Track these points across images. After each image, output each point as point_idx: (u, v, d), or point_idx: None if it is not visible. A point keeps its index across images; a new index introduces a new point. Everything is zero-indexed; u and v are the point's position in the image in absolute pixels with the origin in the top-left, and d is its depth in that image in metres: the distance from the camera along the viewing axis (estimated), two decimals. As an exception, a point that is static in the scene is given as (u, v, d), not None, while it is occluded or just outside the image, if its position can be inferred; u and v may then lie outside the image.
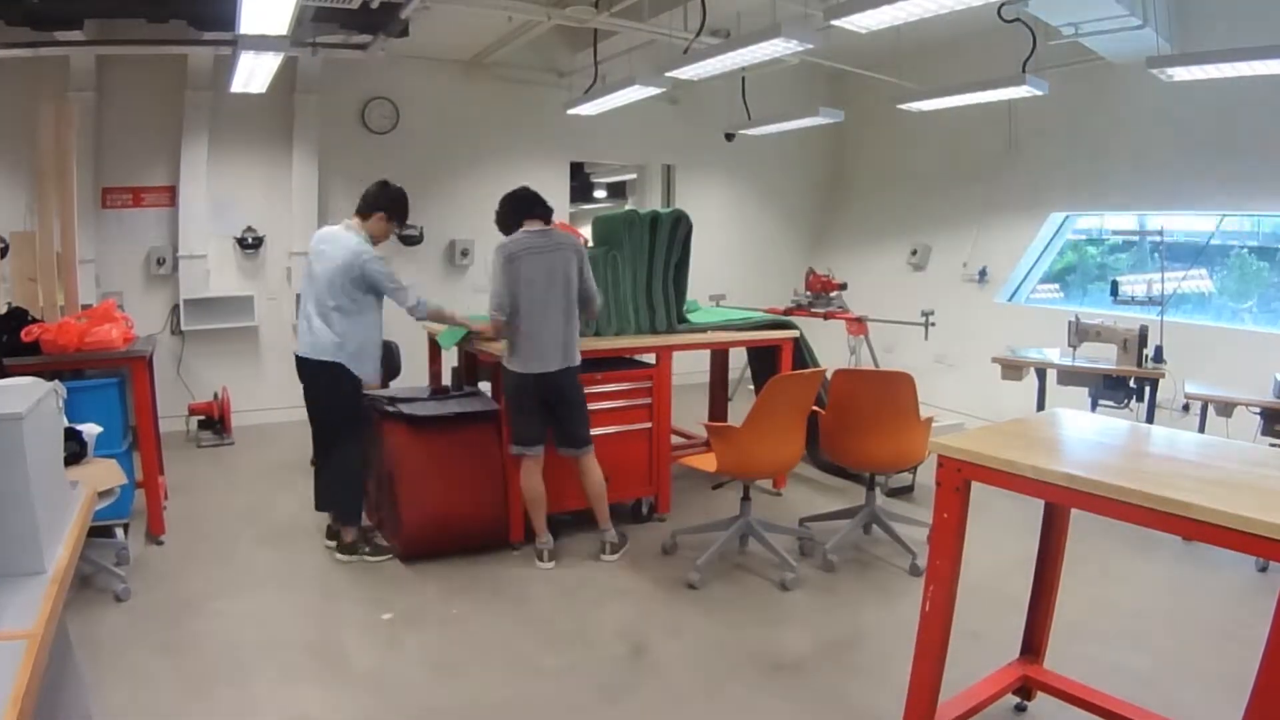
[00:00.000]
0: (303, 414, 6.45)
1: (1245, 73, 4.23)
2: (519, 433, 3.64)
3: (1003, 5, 4.47)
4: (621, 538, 3.80)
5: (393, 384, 5.12)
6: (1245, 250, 5.63)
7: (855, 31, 4.06)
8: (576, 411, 3.69)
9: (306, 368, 3.66)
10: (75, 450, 2.41)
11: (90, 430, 2.34)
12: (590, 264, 3.73)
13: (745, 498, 3.67)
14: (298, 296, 3.71)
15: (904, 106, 5.57)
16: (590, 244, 4.32)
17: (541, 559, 3.66)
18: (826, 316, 5.59)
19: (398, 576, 3.57)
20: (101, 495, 2.35)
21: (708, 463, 3.54)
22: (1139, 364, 4.31)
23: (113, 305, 3.83)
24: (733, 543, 3.69)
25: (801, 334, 4.70)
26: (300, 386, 3.73)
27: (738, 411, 5.30)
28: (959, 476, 2.03)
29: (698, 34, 4.87)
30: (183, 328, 5.94)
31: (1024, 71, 4.75)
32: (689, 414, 5.17)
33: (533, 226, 3.59)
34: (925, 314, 5.22)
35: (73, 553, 1.59)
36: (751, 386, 5.28)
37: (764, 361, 4.93)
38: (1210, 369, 4.62)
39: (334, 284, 3.51)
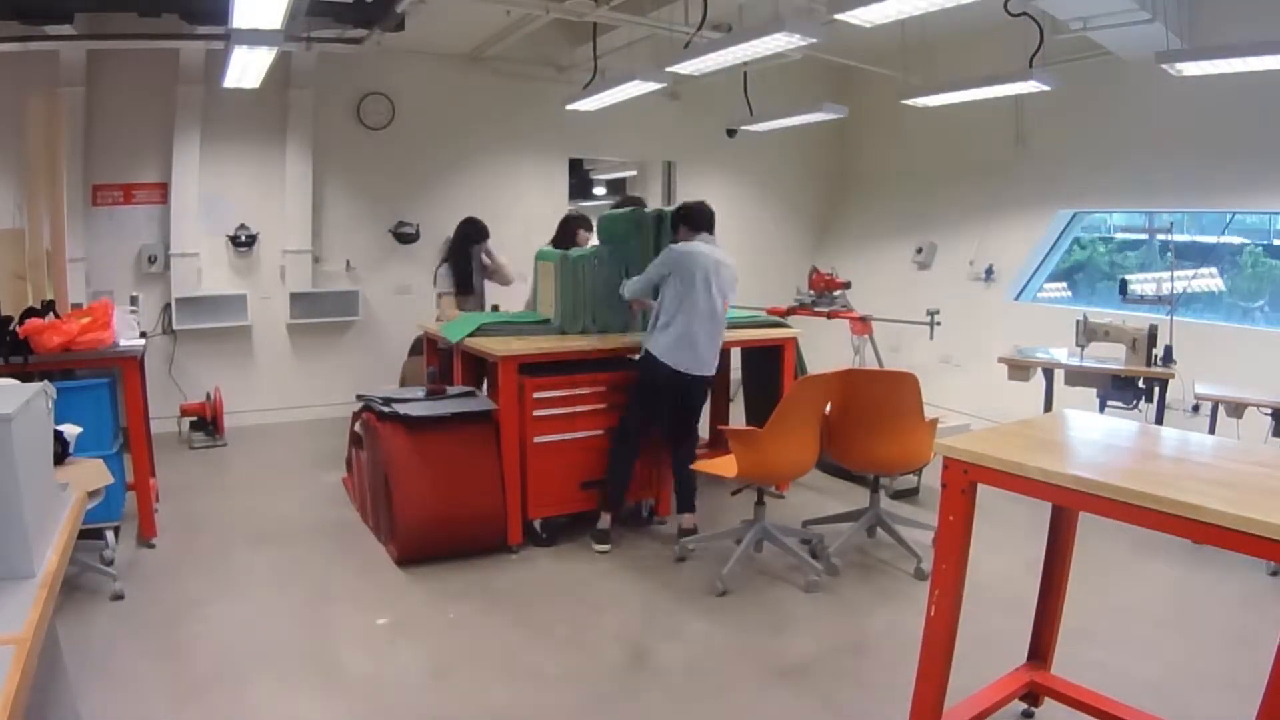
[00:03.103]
0: (297, 415, 6.40)
1: (1256, 68, 4.17)
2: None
3: (1009, -1, 4.40)
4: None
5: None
6: (1259, 248, 5.57)
7: (859, 26, 4.01)
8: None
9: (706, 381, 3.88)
10: (56, 451, 2.34)
11: (70, 431, 2.28)
12: (598, 262, 3.75)
13: (760, 502, 3.62)
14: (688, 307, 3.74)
15: (909, 102, 5.50)
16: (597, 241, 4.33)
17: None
18: (830, 315, 5.52)
19: (393, 580, 3.52)
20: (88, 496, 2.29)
21: (726, 467, 3.48)
22: (1148, 364, 4.25)
23: (109, 305, 3.74)
24: (737, 546, 3.63)
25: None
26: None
27: (737, 413, 5.27)
28: (965, 478, 2.01)
29: (699, 28, 4.80)
30: (174, 327, 5.88)
31: (1031, 66, 4.69)
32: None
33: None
34: (931, 313, 5.15)
35: (62, 556, 1.58)
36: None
37: (755, 366, 4.88)
38: (1220, 369, 4.56)
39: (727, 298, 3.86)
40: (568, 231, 5.01)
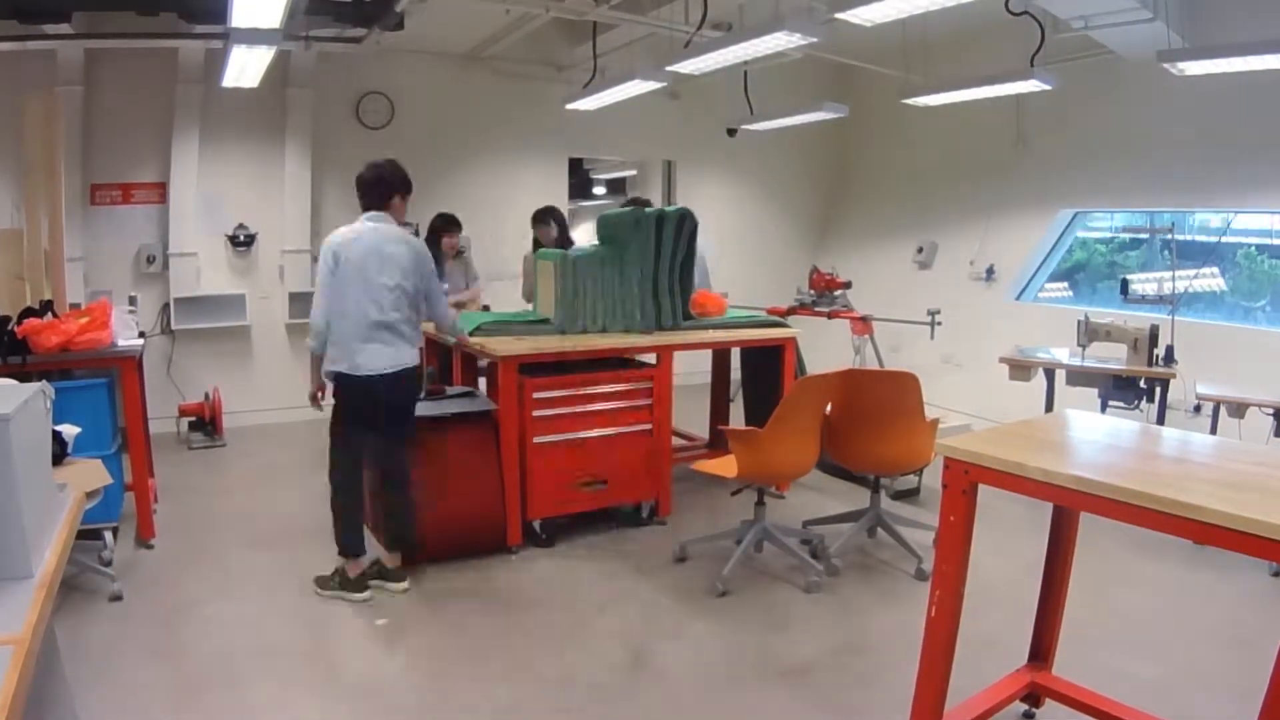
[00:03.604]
0: (296, 415, 6.36)
1: (1257, 67, 4.16)
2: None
3: (1010, -3, 4.40)
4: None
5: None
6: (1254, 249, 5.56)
7: (859, 25, 4.00)
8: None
9: (389, 381, 3.25)
10: (55, 451, 2.34)
11: (68, 431, 2.28)
12: (594, 262, 3.70)
13: (760, 502, 3.61)
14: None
15: (910, 101, 5.50)
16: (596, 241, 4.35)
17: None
18: (830, 315, 5.52)
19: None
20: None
21: (726, 468, 3.46)
22: (1149, 364, 4.24)
23: (107, 305, 3.73)
24: (737, 546, 3.62)
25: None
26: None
27: (737, 413, 5.26)
28: (966, 479, 2.00)
29: (699, 27, 4.80)
30: (173, 327, 5.88)
31: (1032, 65, 4.68)
32: (689, 416, 5.10)
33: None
34: (931, 313, 5.14)
35: (61, 556, 1.57)
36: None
37: (755, 366, 4.87)
38: (1222, 369, 4.55)
39: (404, 288, 3.23)
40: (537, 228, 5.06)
